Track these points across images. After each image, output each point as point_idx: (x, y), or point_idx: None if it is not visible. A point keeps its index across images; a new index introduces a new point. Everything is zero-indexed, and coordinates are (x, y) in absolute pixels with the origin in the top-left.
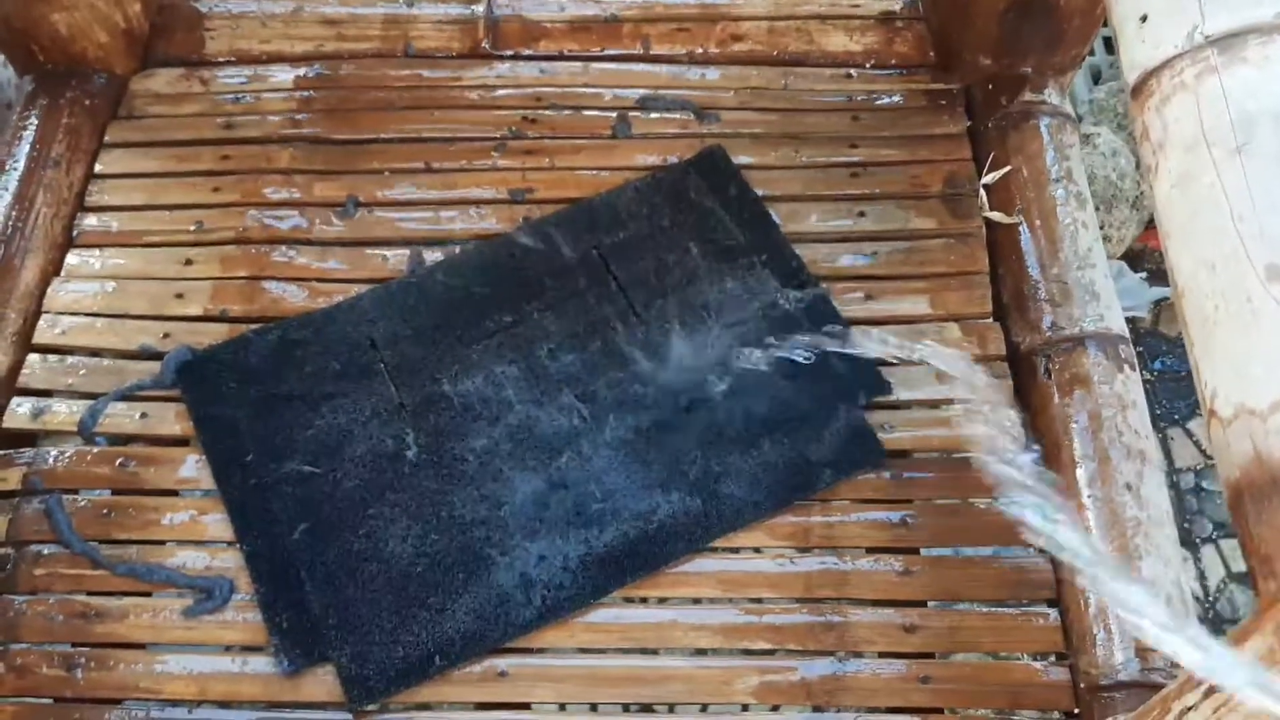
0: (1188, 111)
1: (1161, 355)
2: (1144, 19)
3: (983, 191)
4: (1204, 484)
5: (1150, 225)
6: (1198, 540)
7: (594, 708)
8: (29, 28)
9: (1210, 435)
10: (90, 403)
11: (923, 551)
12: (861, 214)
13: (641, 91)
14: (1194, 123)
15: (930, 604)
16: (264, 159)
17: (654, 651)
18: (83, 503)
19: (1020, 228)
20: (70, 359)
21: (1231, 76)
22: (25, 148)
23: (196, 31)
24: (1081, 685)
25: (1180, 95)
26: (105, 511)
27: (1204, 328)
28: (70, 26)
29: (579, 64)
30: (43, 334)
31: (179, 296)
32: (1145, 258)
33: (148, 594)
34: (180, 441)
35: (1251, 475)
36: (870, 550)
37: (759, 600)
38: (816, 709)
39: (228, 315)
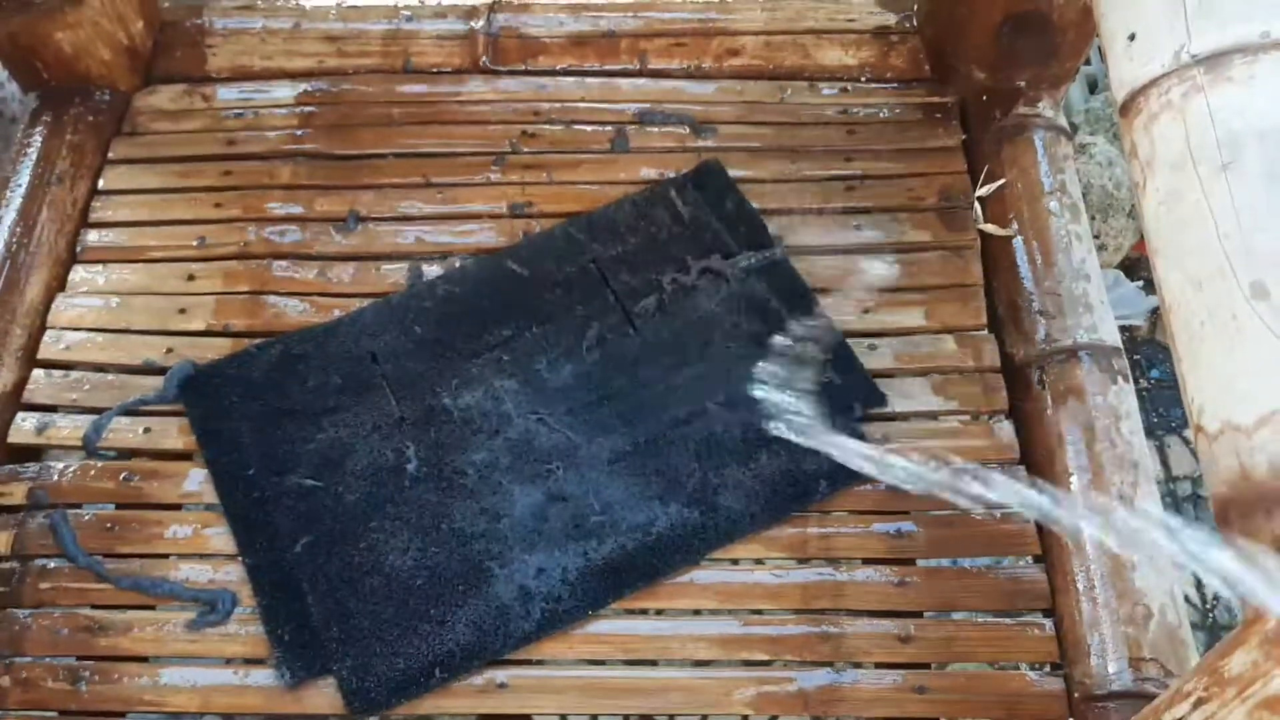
0: (1174, 130)
1: (1158, 363)
2: (1132, 37)
3: (977, 204)
4: (1200, 492)
5: None
6: None
7: (594, 719)
8: (33, 45)
9: (1197, 450)
10: (94, 417)
11: (919, 562)
12: (857, 227)
13: (639, 106)
14: (1181, 141)
15: (926, 614)
16: (265, 174)
17: (653, 662)
18: (87, 517)
19: (1015, 240)
20: (74, 374)
21: (1218, 95)
22: (29, 164)
23: (198, 48)
24: (1076, 695)
25: (1167, 114)
26: (109, 525)
27: (1191, 344)
28: (74, 44)
29: (577, 79)
30: (47, 349)
31: (182, 311)
32: (1142, 266)
33: (151, 607)
34: (183, 456)
35: (1238, 490)
36: (867, 561)
37: (757, 611)
38: (815, 719)
39: (230, 330)
